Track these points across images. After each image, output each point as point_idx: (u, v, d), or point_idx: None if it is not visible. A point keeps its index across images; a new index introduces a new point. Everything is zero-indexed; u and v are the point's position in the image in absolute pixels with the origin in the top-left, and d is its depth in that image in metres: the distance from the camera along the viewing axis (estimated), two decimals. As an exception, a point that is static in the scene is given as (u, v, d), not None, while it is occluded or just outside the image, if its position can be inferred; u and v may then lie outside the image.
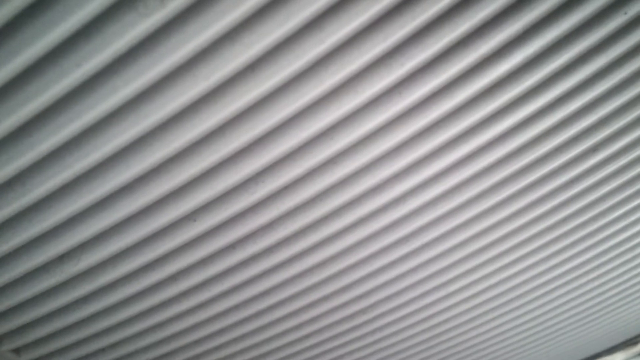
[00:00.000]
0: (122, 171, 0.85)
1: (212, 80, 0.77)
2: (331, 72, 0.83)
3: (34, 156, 0.79)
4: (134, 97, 0.76)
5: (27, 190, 0.84)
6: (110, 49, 0.71)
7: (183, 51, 0.74)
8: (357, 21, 0.77)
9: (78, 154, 0.81)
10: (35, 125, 0.77)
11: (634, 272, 1.57)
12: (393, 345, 1.48)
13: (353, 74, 0.83)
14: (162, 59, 0.74)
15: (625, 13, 0.89)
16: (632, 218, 1.32)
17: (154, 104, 0.79)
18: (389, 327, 1.40)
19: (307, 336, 1.33)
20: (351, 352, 1.45)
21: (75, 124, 0.77)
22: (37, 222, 0.89)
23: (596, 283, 1.55)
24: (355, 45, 0.82)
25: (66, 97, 0.75)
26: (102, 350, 1.20)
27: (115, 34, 0.71)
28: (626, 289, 1.66)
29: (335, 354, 1.43)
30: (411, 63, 0.85)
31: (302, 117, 0.87)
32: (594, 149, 1.11)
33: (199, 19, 0.73)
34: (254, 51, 0.76)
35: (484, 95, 0.94)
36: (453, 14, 0.83)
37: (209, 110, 0.82)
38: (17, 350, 1.16)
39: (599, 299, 1.66)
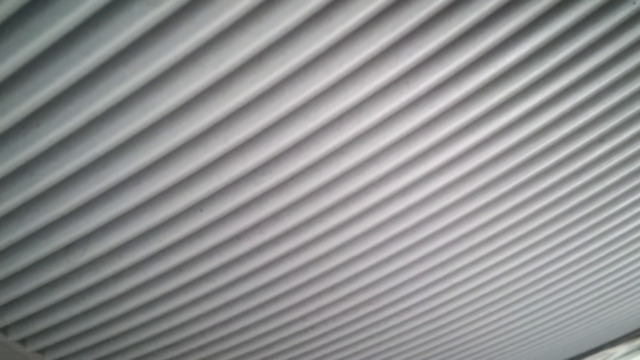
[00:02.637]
0: (129, 161, 0.85)
1: (219, 69, 0.77)
2: (339, 62, 0.82)
3: (41, 146, 0.79)
4: (142, 86, 0.77)
5: (35, 180, 0.84)
6: (119, 38, 0.71)
7: (191, 40, 0.73)
8: (366, 11, 0.77)
9: (85, 144, 0.81)
10: (43, 115, 0.78)
11: (639, 263, 1.57)
12: (398, 336, 1.49)
13: (361, 63, 0.83)
14: (171, 48, 0.74)
15: (634, 3, 0.89)
16: (638, 209, 1.32)
17: (162, 94, 0.79)
18: (394, 318, 1.41)
19: (312, 327, 1.33)
20: (356, 344, 1.46)
21: (83, 113, 0.77)
22: (44, 212, 0.89)
23: (601, 275, 1.55)
24: (363, 35, 0.81)
25: (74, 87, 0.75)
26: (108, 341, 1.21)
27: (124, 23, 0.71)
28: (631, 280, 1.66)
29: (340, 345, 1.43)
30: (419, 53, 0.84)
31: (309, 107, 0.87)
32: (601, 140, 1.11)
33: (207, 9, 0.73)
34: (262, 41, 0.76)
35: (492, 86, 0.94)
36: (461, 4, 0.82)
37: (216, 100, 0.82)
38: (23, 341, 1.16)
39: (603, 291, 1.66)
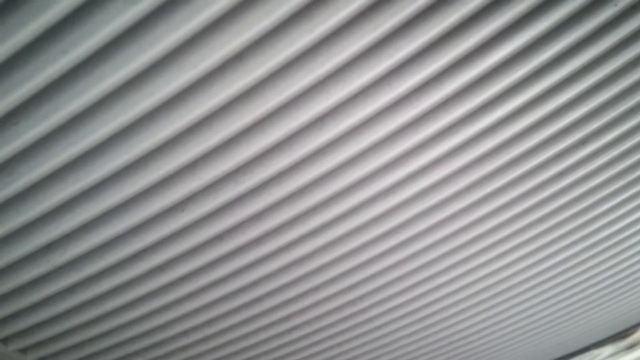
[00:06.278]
0: (109, 160, 0.85)
1: (199, 69, 0.77)
2: (320, 62, 0.82)
3: (20, 144, 0.78)
4: (121, 85, 0.76)
5: (14, 179, 0.83)
6: (97, 36, 0.70)
7: (170, 39, 0.73)
8: (346, 11, 0.77)
9: (65, 143, 0.81)
10: (21, 113, 0.77)
11: (623, 265, 1.57)
12: (383, 337, 1.48)
13: (342, 64, 0.83)
14: (150, 47, 0.73)
15: (616, 4, 0.89)
16: (622, 211, 1.32)
17: (141, 93, 0.78)
18: (378, 318, 1.40)
19: (295, 327, 1.32)
20: (340, 344, 1.45)
21: (61, 112, 0.76)
22: (24, 211, 0.88)
23: (585, 276, 1.55)
24: (344, 35, 0.81)
25: (53, 85, 0.74)
26: (90, 340, 1.20)
27: (102, 21, 0.70)
28: (615, 282, 1.67)
29: (324, 346, 1.43)
30: (400, 53, 0.84)
31: (291, 107, 0.87)
32: (584, 141, 1.11)
33: (186, 7, 0.72)
34: (242, 40, 0.76)
35: (474, 87, 0.94)
36: (443, 5, 0.82)
37: (197, 100, 0.81)
38: (4, 340, 1.15)
39: (588, 292, 1.66)
